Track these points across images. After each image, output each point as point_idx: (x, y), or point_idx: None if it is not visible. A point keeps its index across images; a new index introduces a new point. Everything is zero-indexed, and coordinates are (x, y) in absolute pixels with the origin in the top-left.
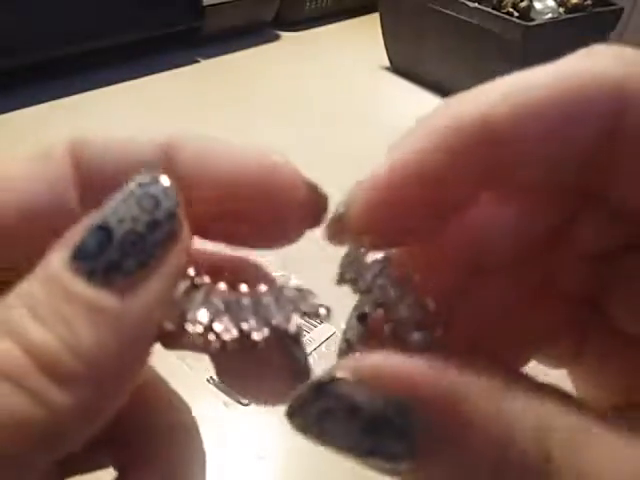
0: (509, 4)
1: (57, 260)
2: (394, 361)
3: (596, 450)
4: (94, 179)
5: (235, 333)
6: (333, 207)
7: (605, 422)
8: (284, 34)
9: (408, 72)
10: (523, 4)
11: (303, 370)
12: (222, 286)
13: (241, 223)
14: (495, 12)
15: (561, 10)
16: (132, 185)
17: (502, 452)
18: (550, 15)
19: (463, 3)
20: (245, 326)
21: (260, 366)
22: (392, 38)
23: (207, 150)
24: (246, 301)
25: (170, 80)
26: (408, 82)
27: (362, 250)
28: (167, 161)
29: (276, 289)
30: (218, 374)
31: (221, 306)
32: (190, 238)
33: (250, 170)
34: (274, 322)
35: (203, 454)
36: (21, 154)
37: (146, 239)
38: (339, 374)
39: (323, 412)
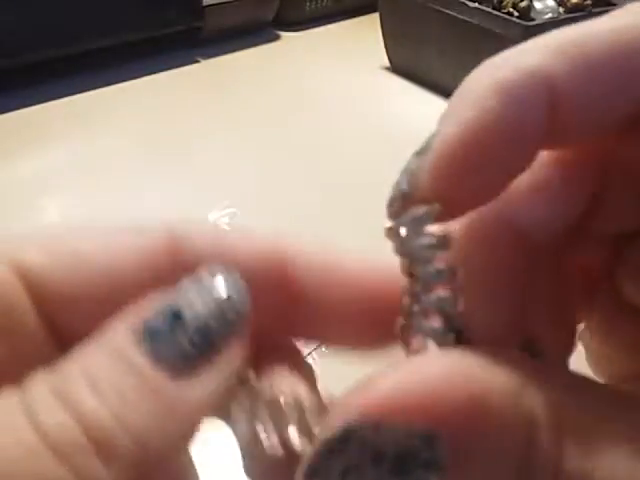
0: (509, 4)
1: (124, 333)
2: (411, 386)
3: (609, 455)
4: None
5: (276, 441)
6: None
7: (618, 420)
8: (284, 34)
9: (408, 72)
10: (523, 4)
11: None
12: (266, 388)
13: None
14: (495, 12)
15: (561, 10)
16: (207, 275)
17: (525, 451)
18: (550, 15)
19: (463, 3)
20: (287, 435)
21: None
22: (392, 38)
23: (322, 262)
24: (288, 406)
25: (170, 80)
26: (408, 82)
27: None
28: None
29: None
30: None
31: (264, 411)
32: (249, 335)
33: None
34: (315, 432)
35: None
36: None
37: (213, 331)
38: (357, 417)
39: (346, 468)
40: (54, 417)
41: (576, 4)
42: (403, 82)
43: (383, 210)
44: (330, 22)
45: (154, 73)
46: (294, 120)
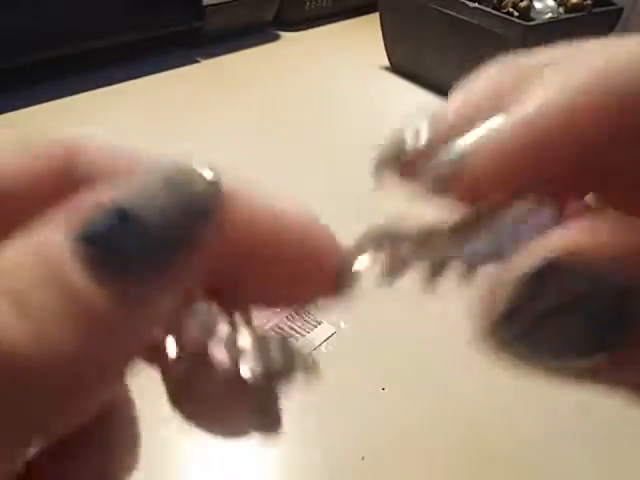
0: (509, 4)
1: (58, 240)
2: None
3: None
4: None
5: (227, 364)
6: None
7: None
8: (284, 34)
9: (408, 72)
10: (523, 4)
11: (270, 422)
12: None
13: (255, 277)
14: (495, 12)
15: (561, 10)
16: (168, 168)
17: None
18: (550, 15)
19: (463, 3)
20: (242, 362)
21: (228, 401)
22: (392, 38)
23: (249, 197)
24: (246, 337)
25: (170, 80)
26: (408, 82)
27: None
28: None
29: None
30: (172, 395)
31: (222, 334)
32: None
33: (290, 224)
34: (274, 367)
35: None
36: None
37: (170, 237)
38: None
39: (545, 311)
40: None
41: (576, 4)
42: (403, 82)
43: (383, 210)
44: (330, 22)
45: (154, 73)
46: (294, 120)
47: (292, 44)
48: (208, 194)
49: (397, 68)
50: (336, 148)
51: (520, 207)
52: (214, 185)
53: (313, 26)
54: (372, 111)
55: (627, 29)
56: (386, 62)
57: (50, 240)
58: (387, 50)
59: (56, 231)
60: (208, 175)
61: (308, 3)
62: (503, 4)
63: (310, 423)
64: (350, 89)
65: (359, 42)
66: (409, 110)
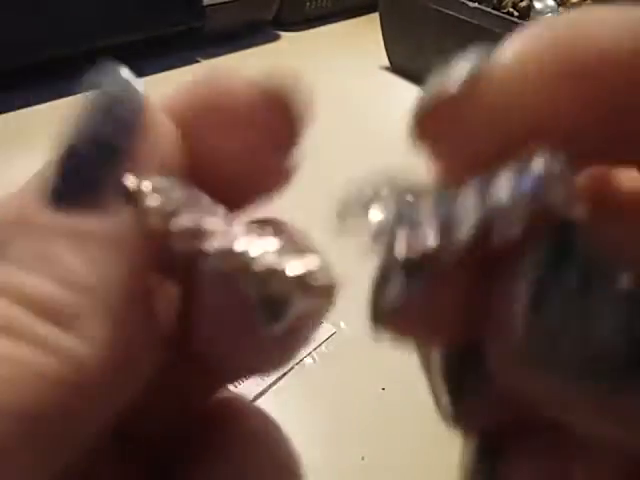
0: (509, 4)
1: (26, 198)
2: None
3: None
4: None
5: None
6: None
7: None
8: (284, 34)
9: (408, 72)
10: (523, 4)
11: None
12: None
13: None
14: (495, 12)
15: (561, 10)
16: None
17: None
18: (550, 15)
19: (463, 3)
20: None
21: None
22: (392, 38)
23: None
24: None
25: (171, 80)
26: (408, 82)
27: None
28: None
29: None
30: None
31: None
32: (172, 137)
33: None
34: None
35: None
36: None
37: (111, 143)
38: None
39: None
40: None
41: (576, 4)
42: (403, 82)
43: None
44: (330, 22)
45: (154, 73)
46: None
47: (292, 44)
48: (122, 88)
49: (397, 68)
50: (336, 148)
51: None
52: (127, 79)
53: (313, 26)
54: (372, 111)
55: None
56: (386, 62)
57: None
58: (387, 50)
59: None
60: (124, 72)
61: (308, 3)
62: (503, 4)
63: (310, 423)
64: (350, 89)
65: (359, 42)
66: (409, 110)
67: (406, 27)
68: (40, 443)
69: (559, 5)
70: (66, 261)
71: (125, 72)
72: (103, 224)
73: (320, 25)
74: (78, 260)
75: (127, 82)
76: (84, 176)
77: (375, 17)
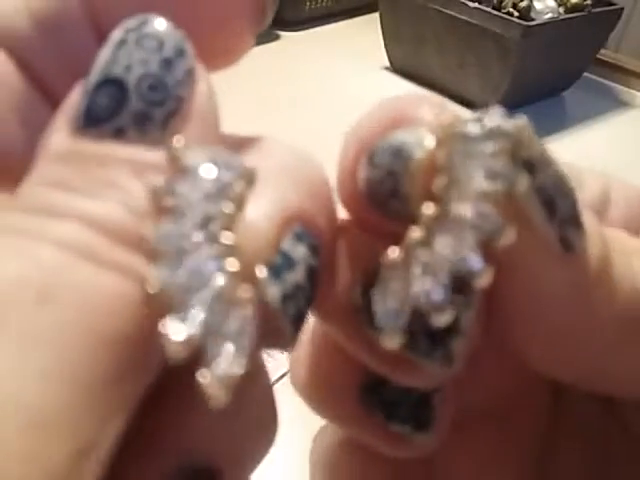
0: (509, 4)
1: (63, 134)
2: None
3: None
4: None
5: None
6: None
7: None
8: (284, 34)
9: (408, 72)
10: (523, 4)
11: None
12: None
13: None
14: (495, 12)
15: (561, 10)
16: (121, 33)
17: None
18: (550, 15)
19: (463, 3)
20: None
21: None
22: (392, 38)
23: None
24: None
25: None
26: (408, 82)
27: None
28: None
29: None
30: None
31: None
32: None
33: None
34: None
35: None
36: None
37: (165, 81)
38: None
39: None
40: (63, 227)
41: (576, 4)
42: (403, 82)
43: None
44: (330, 22)
45: None
46: (294, 119)
47: (292, 44)
48: (168, 35)
49: (397, 68)
50: (336, 148)
51: None
52: (169, 27)
53: (313, 26)
54: None
55: (627, 29)
56: (386, 62)
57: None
58: (387, 50)
59: (59, 133)
60: (159, 22)
61: (308, 3)
62: (503, 4)
63: (310, 423)
64: (350, 89)
65: (359, 42)
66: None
67: (406, 27)
68: (137, 368)
69: (559, 5)
70: (131, 188)
71: (158, 19)
72: (157, 156)
73: (320, 25)
74: (142, 188)
75: (166, 25)
76: (141, 106)
77: (375, 17)
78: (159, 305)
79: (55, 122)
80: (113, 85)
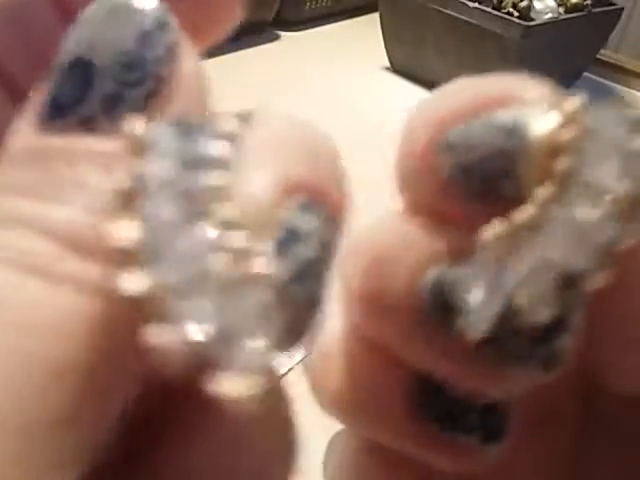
0: (509, 4)
1: (26, 130)
2: None
3: None
4: None
5: None
6: None
7: None
8: (284, 34)
9: (408, 72)
10: (523, 4)
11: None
12: None
13: None
14: (495, 12)
15: (561, 10)
16: (92, 6)
17: None
18: (550, 15)
19: (463, 3)
20: None
21: None
22: (392, 38)
23: None
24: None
25: None
26: (408, 82)
27: None
28: None
29: None
30: None
31: None
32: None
33: None
34: None
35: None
36: None
37: (143, 58)
38: None
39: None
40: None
41: (576, 4)
42: (403, 82)
43: (382, 209)
44: (330, 22)
45: None
46: None
47: (292, 44)
48: (148, 4)
49: (397, 68)
50: (335, 148)
51: None
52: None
53: (313, 26)
54: (372, 111)
55: (627, 29)
56: (386, 62)
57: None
58: (387, 50)
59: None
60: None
61: (308, 3)
62: (503, 4)
63: (310, 423)
64: (350, 89)
65: (359, 42)
66: (409, 110)
67: (406, 27)
68: (98, 402)
69: (559, 5)
70: (100, 188)
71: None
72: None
73: (320, 25)
74: (109, 184)
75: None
76: (112, 88)
77: (375, 17)
78: (146, 313)
79: (19, 118)
80: (81, 67)
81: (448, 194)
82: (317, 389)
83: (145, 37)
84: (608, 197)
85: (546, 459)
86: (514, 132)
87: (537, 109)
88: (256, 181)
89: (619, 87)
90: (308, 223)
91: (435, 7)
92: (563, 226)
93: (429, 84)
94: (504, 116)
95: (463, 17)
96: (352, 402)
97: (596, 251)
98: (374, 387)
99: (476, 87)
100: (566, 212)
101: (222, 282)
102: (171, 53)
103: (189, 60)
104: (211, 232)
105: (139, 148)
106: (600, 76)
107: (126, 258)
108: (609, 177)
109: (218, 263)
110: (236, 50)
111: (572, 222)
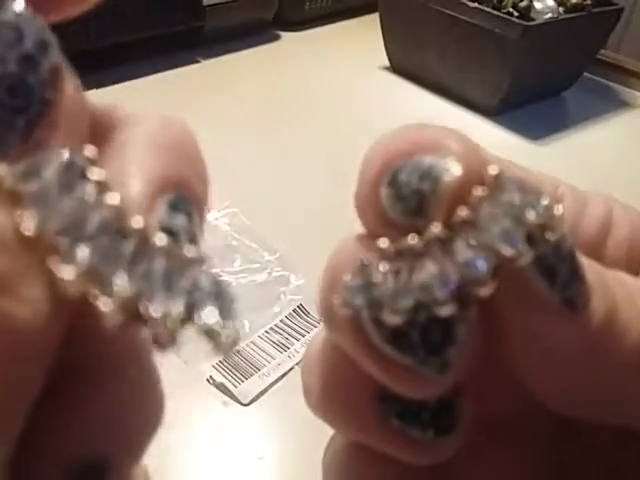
0: (509, 4)
1: None
2: None
3: None
4: None
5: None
6: None
7: None
8: (284, 34)
9: (408, 72)
10: (523, 4)
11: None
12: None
13: None
14: (495, 12)
15: (561, 10)
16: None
17: None
18: (550, 15)
19: (463, 3)
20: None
21: None
22: (392, 38)
23: None
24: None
25: (171, 80)
26: (408, 82)
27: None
28: None
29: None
30: None
31: None
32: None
33: None
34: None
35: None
36: None
37: (27, 82)
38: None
39: None
40: None
41: (576, 4)
42: (403, 82)
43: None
44: (330, 22)
45: (155, 73)
46: (294, 120)
47: (292, 44)
48: (27, 23)
49: (397, 68)
50: (336, 148)
51: None
52: (28, 13)
53: (313, 26)
54: (372, 111)
55: (627, 29)
56: (386, 62)
57: None
58: (387, 50)
59: None
60: (17, 4)
61: (308, 3)
62: (503, 4)
63: (310, 422)
64: (350, 89)
65: (359, 42)
66: (409, 110)
67: (406, 27)
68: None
69: (559, 5)
70: None
71: (17, 2)
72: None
73: (320, 25)
74: (8, 220)
75: (23, 11)
76: None
77: (375, 17)
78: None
79: None
80: None
81: (385, 221)
82: (304, 391)
83: (28, 59)
84: (487, 248)
85: (532, 466)
86: (428, 177)
87: (449, 159)
88: (130, 187)
89: (619, 87)
90: (178, 219)
91: (435, 7)
92: (434, 262)
93: (429, 84)
94: (423, 160)
95: (463, 17)
96: (329, 403)
97: (452, 289)
98: (347, 387)
99: (418, 133)
100: (445, 251)
101: (102, 227)
102: (54, 75)
103: (70, 82)
104: (91, 195)
105: (17, 198)
106: (600, 76)
107: (18, 201)
108: (493, 237)
109: (97, 215)
110: (236, 50)
111: (443, 260)
